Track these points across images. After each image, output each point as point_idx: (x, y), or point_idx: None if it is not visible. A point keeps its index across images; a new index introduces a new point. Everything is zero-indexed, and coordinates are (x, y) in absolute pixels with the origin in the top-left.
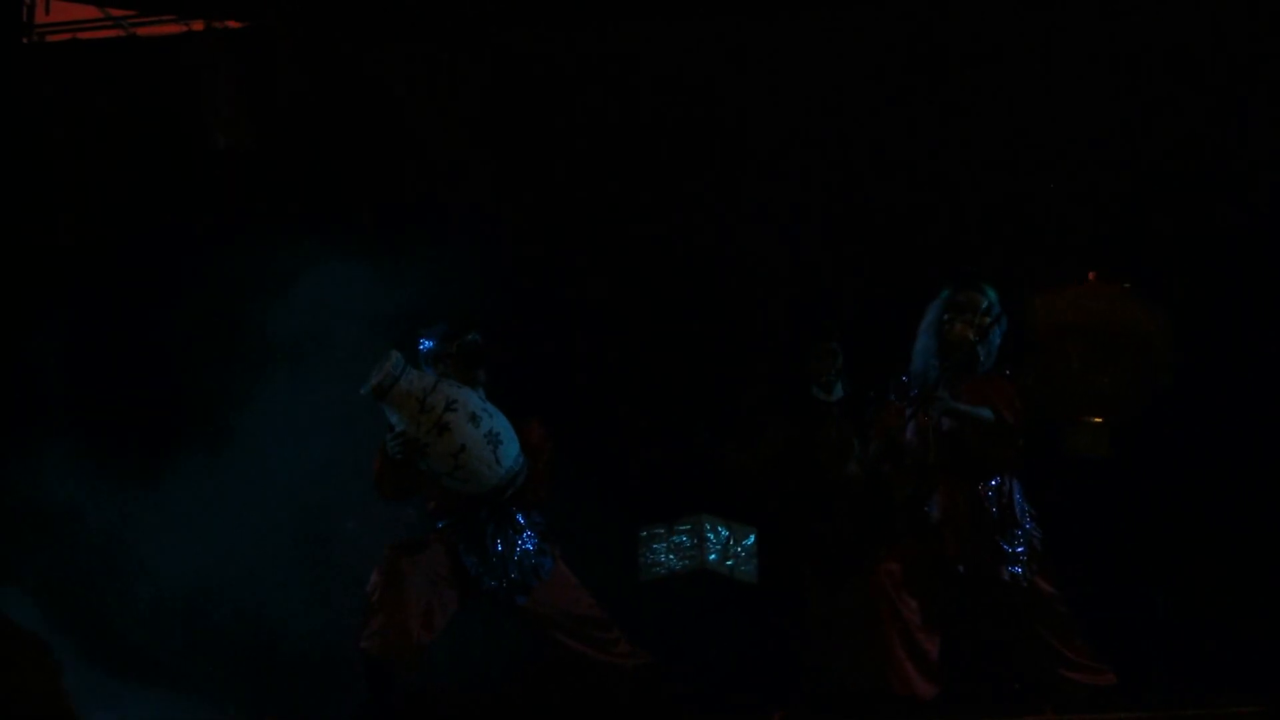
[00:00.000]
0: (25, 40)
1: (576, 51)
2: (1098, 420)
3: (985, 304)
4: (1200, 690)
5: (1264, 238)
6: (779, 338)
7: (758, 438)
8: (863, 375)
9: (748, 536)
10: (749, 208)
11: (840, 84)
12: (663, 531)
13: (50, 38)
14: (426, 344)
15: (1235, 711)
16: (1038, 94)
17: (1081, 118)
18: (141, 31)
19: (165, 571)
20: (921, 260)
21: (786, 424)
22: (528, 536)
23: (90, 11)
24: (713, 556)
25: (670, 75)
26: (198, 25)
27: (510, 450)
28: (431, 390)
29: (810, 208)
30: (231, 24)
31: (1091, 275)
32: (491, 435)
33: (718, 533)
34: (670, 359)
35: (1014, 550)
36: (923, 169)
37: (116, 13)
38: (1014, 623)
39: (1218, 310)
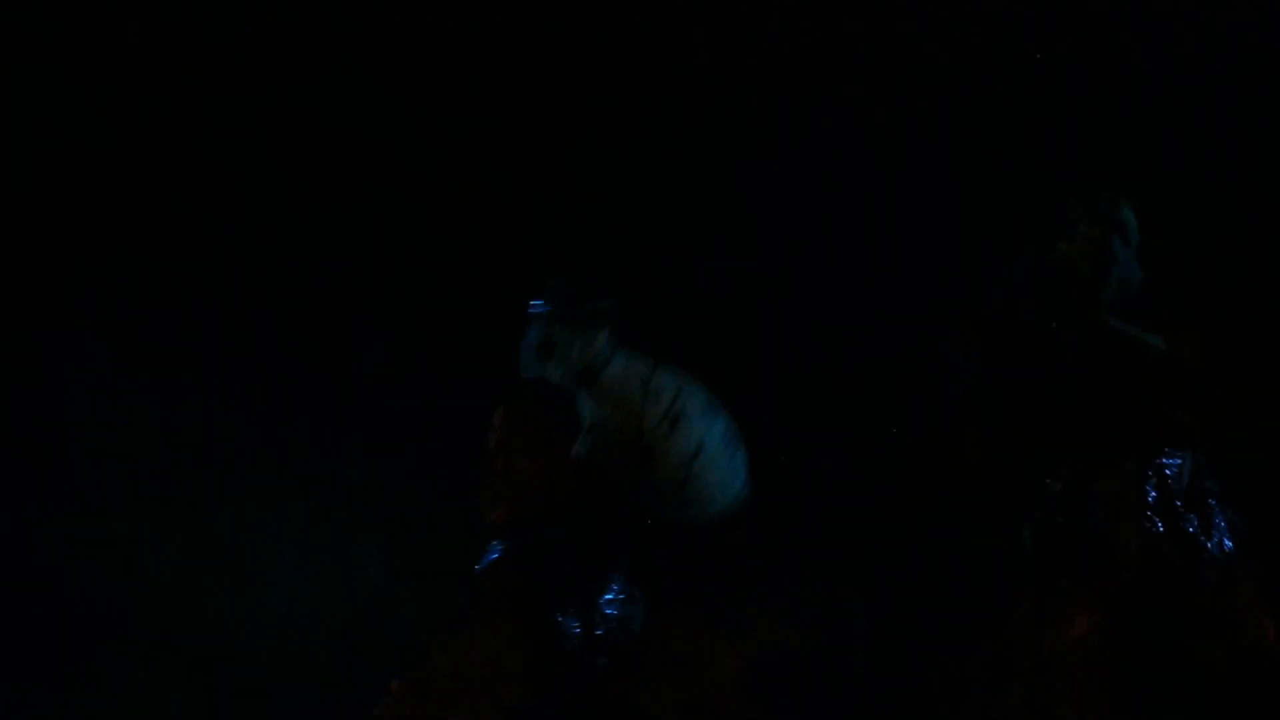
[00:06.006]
0: None
1: None
2: None
3: (1079, 211)
4: None
5: None
6: None
7: None
8: None
9: None
10: None
11: None
12: None
13: None
14: (537, 304)
15: None
16: None
17: None
18: None
19: None
20: None
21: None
22: (609, 571)
23: None
24: None
25: None
26: None
27: (744, 460)
28: (654, 372)
29: None
30: None
31: None
32: (729, 433)
33: None
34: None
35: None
36: None
37: None
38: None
39: None
